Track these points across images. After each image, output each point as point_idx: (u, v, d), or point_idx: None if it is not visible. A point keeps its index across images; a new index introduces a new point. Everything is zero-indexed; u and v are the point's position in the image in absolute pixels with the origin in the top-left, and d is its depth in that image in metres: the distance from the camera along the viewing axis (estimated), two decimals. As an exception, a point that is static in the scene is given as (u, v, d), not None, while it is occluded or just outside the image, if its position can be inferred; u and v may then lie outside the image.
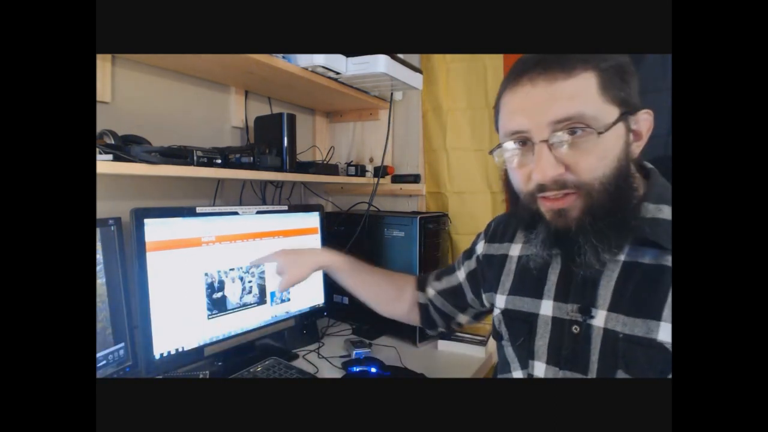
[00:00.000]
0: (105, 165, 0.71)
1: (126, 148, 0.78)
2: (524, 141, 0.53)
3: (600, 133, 0.49)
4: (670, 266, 0.52)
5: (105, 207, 0.92)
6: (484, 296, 0.78)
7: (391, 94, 1.39)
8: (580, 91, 0.50)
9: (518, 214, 0.59)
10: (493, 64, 1.31)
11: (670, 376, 0.51)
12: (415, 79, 1.25)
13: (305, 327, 1.21)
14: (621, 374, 0.53)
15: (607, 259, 0.54)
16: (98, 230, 0.79)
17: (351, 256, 0.92)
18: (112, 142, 0.80)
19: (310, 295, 1.22)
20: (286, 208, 1.16)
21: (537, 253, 0.60)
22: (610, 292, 0.55)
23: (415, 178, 1.45)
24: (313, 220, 1.23)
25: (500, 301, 0.69)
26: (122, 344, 0.83)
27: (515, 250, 0.71)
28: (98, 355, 0.78)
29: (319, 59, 1.04)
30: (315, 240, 1.23)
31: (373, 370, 0.99)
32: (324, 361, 1.08)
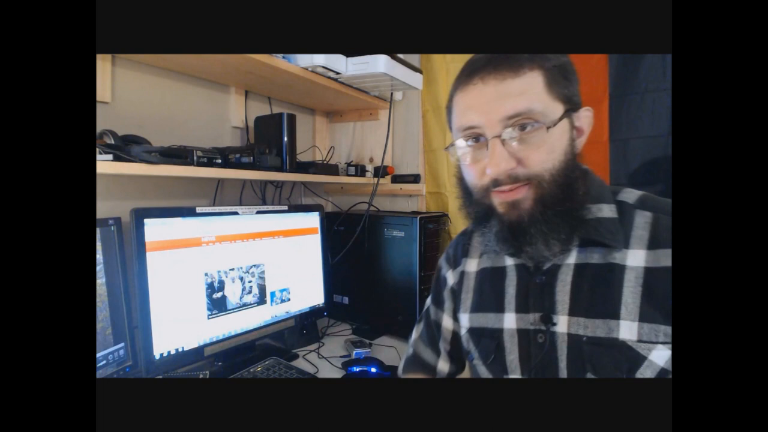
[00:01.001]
0: (105, 165, 0.71)
1: (126, 148, 0.78)
2: (477, 138, 0.55)
3: (549, 127, 0.52)
4: (619, 263, 0.54)
5: (105, 207, 0.92)
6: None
7: (391, 94, 1.39)
8: (529, 88, 0.52)
9: (471, 209, 0.60)
10: (493, 64, 1.31)
11: (630, 375, 0.52)
12: (415, 79, 1.25)
13: (305, 327, 1.21)
14: (590, 377, 0.54)
15: (557, 251, 0.55)
16: (98, 230, 0.79)
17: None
18: (112, 142, 0.80)
19: (310, 295, 1.22)
20: (286, 208, 1.16)
21: (491, 247, 0.60)
22: (567, 296, 0.56)
23: (415, 178, 1.45)
24: (313, 220, 1.23)
25: (464, 320, 0.69)
26: (122, 344, 0.84)
27: (471, 265, 0.71)
28: (98, 355, 0.78)
29: (319, 59, 1.04)
30: (315, 240, 1.23)
31: (373, 370, 0.99)
32: (324, 361, 1.08)
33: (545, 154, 0.52)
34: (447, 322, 0.76)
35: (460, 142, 0.57)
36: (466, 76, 0.56)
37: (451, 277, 0.75)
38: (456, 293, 0.74)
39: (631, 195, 0.59)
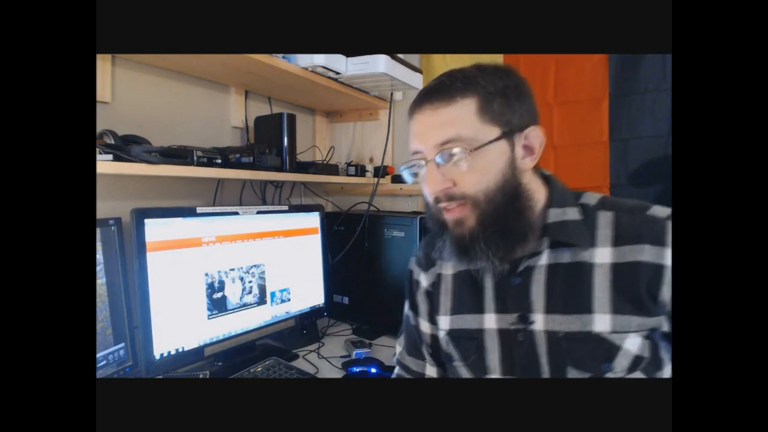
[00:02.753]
0: (105, 165, 0.71)
1: (126, 148, 0.78)
2: (424, 160, 0.60)
3: (471, 150, 0.55)
4: (588, 261, 0.58)
5: (105, 207, 0.92)
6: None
7: (391, 94, 1.39)
8: (459, 117, 0.56)
9: (430, 222, 0.65)
10: (493, 64, 1.31)
11: (609, 364, 0.55)
12: (415, 79, 1.25)
13: (305, 327, 1.21)
14: (571, 371, 0.57)
15: (497, 265, 0.59)
16: (98, 230, 0.79)
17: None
18: (112, 142, 0.80)
19: (310, 295, 1.22)
20: (286, 208, 1.16)
21: (447, 258, 0.64)
22: (542, 295, 0.60)
23: (415, 178, 1.45)
24: (313, 220, 1.23)
25: (444, 322, 0.70)
26: (122, 344, 0.83)
27: (448, 268, 0.72)
28: (98, 355, 0.78)
29: (319, 59, 1.04)
30: (315, 240, 1.23)
31: (373, 370, 0.99)
32: (324, 361, 1.08)
33: (478, 175, 0.56)
34: (425, 326, 0.76)
35: (418, 164, 0.61)
36: (412, 107, 0.61)
37: (424, 280, 0.76)
38: (431, 295, 0.74)
39: (591, 198, 0.62)
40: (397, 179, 1.47)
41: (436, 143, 0.57)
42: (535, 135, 0.60)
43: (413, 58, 1.33)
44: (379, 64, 1.10)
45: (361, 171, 1.38)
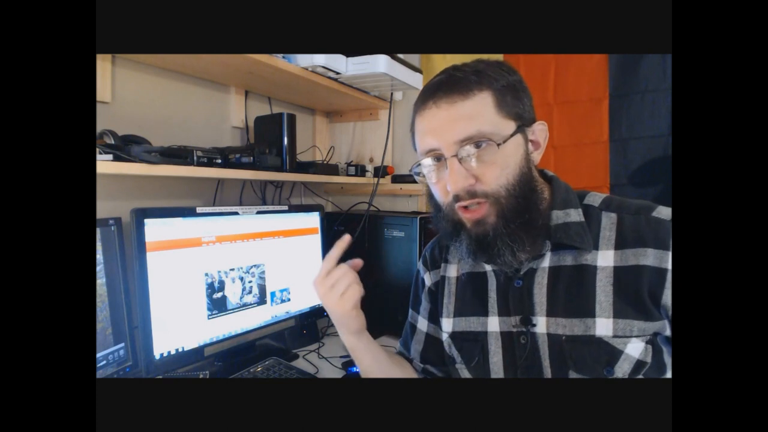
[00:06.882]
0: (105, 165, 0.71)
1: (126, 148, 0.78)
2: (438, 158, 0.58)
3: (499, 144, 0.54)
4: (590, 264, 0.57)
5: (105, 207, 0.92)
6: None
7: (391, 94, 1.39)
8: (478, 111, 0.55)
9: (441, 224, 0.62)
10: (493, 64, 1.31)
11: (611, 368, 0.54)
12: (415, 79, 1.25)
13: (305, 327, 1.21)
14: (573, 374, 0.56)
15: (523, 259, 0.59)
16: (98, 230, 0.79)
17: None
18: (112, 142, 0.80)
19: (310, 295, 1.21)
20: (286, 208, 1.16)
21: (464, 260, 0.63)
22: (544, 298, 0.59)
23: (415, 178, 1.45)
24: (313, 220, 1.23)
25: (446, 324, 0.70)
26: (122, 344, 0.83)
27: (452, 270, 0.72)
28: (98, 355, 0.78)
29: (319, 59, 1.04)
30: (315, 240, 1.23)
31: (373, 370, 0.99)
32: (324, 361, 1.08)
33: (499, 170, 0.55)
34: (422, 324, 0.77)
35: (426, 162, 0.59)
36: (422, 101, 0.59)
37: (428, 279, 0.76)
38: (434, 294, 0.75)
39: (596, 198, 0.62)
40: (398, 179, 1.47)
41: (456, 139, 0.55)
42: (540, 129, 0.60)
43: (413, 58, 1.33)
44: (379, 64, 1.10)
45: (361, 171, 1.38)
